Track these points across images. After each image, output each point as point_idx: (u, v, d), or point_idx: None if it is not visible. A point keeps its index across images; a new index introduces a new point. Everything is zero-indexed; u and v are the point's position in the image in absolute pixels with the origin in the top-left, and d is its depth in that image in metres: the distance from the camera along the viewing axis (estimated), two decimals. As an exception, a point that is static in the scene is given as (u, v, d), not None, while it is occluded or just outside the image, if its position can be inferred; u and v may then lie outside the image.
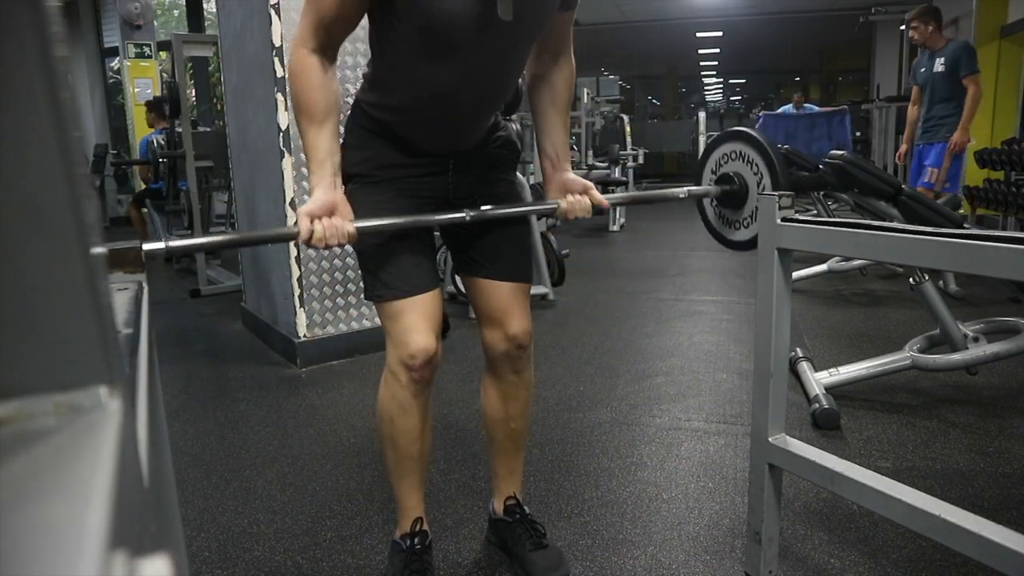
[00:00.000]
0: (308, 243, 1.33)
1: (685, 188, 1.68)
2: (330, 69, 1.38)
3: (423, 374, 1.48)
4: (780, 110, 9.42)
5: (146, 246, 1.25)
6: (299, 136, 1.41)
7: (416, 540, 1.61)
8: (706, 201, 1.73)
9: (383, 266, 1.47)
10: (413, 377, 1.48)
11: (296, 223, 1.35)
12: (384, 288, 1.47)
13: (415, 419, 1.54)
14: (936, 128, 4.80)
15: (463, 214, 1.46)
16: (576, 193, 1.58)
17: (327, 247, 1.35)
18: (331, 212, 1.35)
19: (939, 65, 4.78)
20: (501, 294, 1.57)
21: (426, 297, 1.49)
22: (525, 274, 1.62)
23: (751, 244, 1.59)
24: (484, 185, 1.57)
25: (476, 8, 1.29)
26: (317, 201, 1.36)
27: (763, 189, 1.55)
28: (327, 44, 1.37)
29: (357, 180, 1.49)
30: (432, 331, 1.48)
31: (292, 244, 3.12)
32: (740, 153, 1.59)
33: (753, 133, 1.59)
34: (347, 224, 1.35)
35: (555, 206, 1.55)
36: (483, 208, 1.48)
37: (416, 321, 1.46)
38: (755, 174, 1.56)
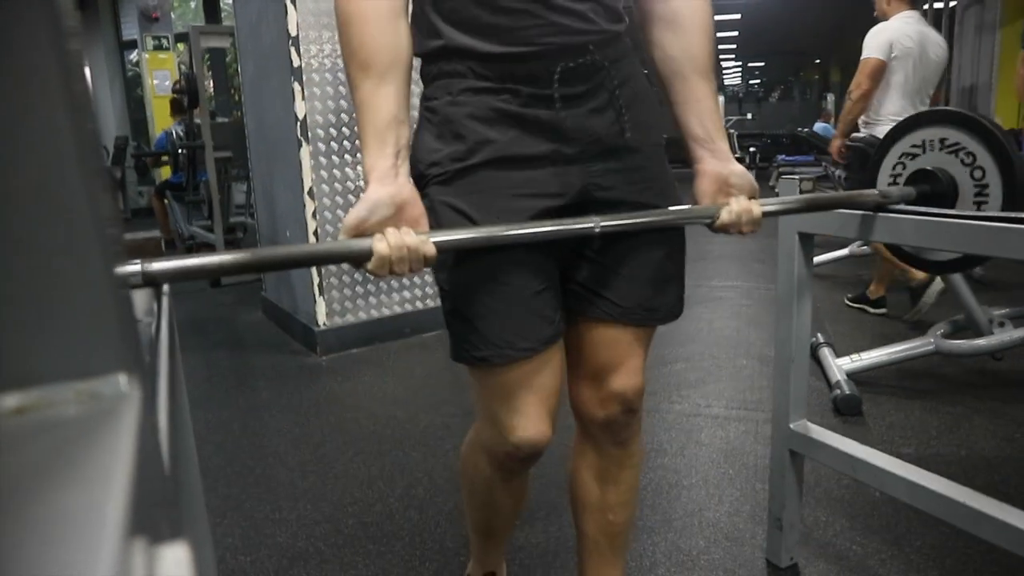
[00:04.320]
0: (372, 272, 0.86)
1: (876, 192, 1.28)
2: (397, 4, 0.95)
3: (526, 465, 1.14)
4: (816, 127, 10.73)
5: (118, 272, 1.12)
6: (350, 96, 0.97)
7: None
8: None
9: (486, 310, 1.00)
10: (510, 467, 1.14)
11: (343, 232, 0.88)
12: (488, 347, 1.01)
13: (508, 498, 1.24)
14: None
15: (592, 224, 0.95)
16: (743, 195, 1.06)
17: (393, 274, 0.86)
18: (397, 215, 0.89)
19: None
20: (619, 341, 1.11)
21: (544, 358, 1.04)
22: (664, 313, 1.14)
23: (956, 266, 1.29)
24: (621, 177, 1.05)
25: None
26: (374, 200, 0.88)
27: (985, 186, 1.20)
28: None
29: (435, 180, 1.01)
30: (548, 414, 1.07)
31: (312, 233, 3.13)
32: (941, 142, 1.28)
33: (968, 113, 1.25)
34: (424, 241, 0.86)
35: (713, 214, 1.04)
36: (618, 217, 0.98)
37: (528, 400, 1.04)
38: (966, 166, 1.25)
